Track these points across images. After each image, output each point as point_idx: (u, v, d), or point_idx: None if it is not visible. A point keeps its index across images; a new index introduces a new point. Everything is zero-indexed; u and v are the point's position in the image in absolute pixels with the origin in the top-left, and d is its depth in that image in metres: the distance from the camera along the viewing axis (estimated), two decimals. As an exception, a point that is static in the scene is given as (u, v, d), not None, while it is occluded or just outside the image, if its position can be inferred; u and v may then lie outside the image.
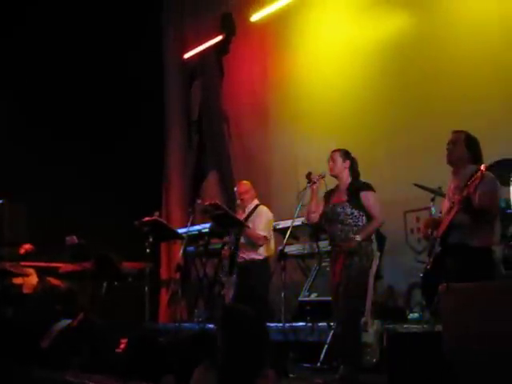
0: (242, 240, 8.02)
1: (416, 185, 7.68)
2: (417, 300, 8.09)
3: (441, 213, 6.29)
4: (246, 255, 8.00)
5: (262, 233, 7.98)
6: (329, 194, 6.99)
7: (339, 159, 6.89)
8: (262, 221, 8.05)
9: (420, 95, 9.38)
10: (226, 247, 8.56)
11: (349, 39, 10.64)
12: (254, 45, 12.47)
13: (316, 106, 10.93)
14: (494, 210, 5.82)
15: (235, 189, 8.45)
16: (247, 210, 8.20)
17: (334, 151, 6.95)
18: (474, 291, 4.80)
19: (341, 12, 10.85)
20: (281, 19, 11.71)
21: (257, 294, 7.79)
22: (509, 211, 6.82)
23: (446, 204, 6.09)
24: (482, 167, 5.53)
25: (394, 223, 8.74)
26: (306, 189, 7.07)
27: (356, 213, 6.69)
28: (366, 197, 6.71)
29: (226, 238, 8.43)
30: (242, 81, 12.81)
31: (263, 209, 8.22)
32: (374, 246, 6.91)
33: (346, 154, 6.91)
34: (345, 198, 6.78)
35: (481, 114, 8.42)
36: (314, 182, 6.94)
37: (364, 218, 6.71)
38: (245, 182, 8.51)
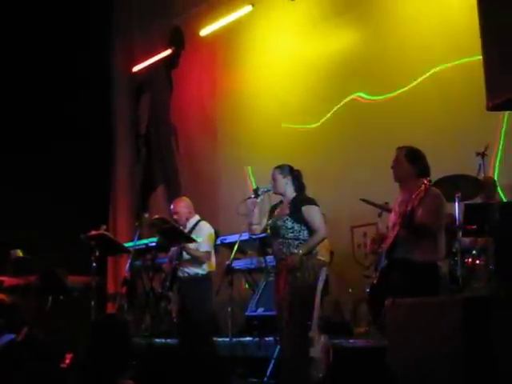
0: (185, 255, 7.97)
1: (363, 200, 7.74)
2: (363, 315, 8.13)
3: (387, 228, 6.35)
4: (189, 270, 7.96)
5: (204, 249, 7.95)
6: (273, 208, 6.97)
7: (279, 177, 6.81)
8: (204, 237, 8.00)
9: (368, 110, 9.49)
10: (166, 262, 8.48)
11: (297, 54, 10.73)
12: (204, 59, 12.48)
13: (265, 121, 10.99)
14: (434, 226, 5.87)
15: (171, 206, 8.42)
16: (188, 226, 8.16)
17: (274, 169, 6.89)
18: (418, 306, 4.84)
19: (289, 27, 10.95)
20: (230, 34, 11.75)
21: (200, 309, 7.77)
22: (454, 227, 6.90)
23: (392, 218, 6.15)
24: (426, 181, 5.61)
25: (340, 238, 8.80)
26: (249, 198, 7.01)
27: (297, 227, 6.61)
28: (308, 211, 6.64)
29: (169, 253, 8.35)
30: (190, 95, 12.81)
31: (204, 224, 8.19)
32: (323, 259, 6.93)
33: (285, 171, 6.84)
34: (287, 212, 6.72)
35: (429, 128, 8.56)
36: (258, 195, 6.92)
37: (305, 232, 6.62)
38: (182, 198, 8.50)
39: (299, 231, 6.62)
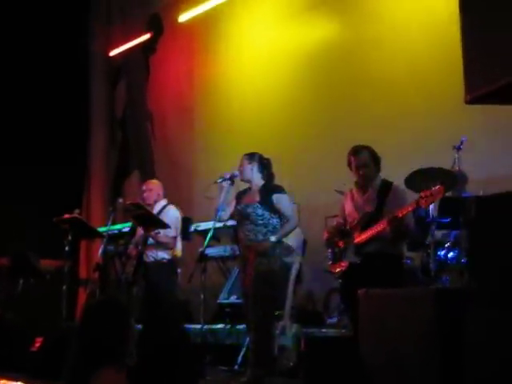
0: (151, 240, 7.96)
1: (337, 191, 7.75)
2: (335, 305, 8.16)
3: (340, 216, 6.42)
4: (155, 254, 7.95)
5: (170, 234, 7.94)
6: (241, 194, 6.95)
7: (246, 163, 6.84)
8: (171, 222, 7.98)
9: (346, 102, 9.50)
10: (131, 246, 8.45)
11: (275, 43, 10.71)
12: (182, 45, 12.43)
13: (241, 110, 10.97)
14: (413, 228, 6.07)
15: (143, 186, 8.42)
16: (156, 209, 8.15)
17: (243, 156, 6.92)
18: (391, 297, 4.87)
19: (268, 16, 10.92)
20: (209, 21, 11.70)
21: (166, 294, 7.81)
22: (428, 220, 6.93)
23: (350, 211, 6.21)
24: (397, 187, 5.87)
25: (314, 228, 8.79)
26: (215, 182, 7.00)
27: (267, 214, 6.64)
28: (278, 199, 6.67)
29: (136, 237, 8.32)
30: (168, 81, 12.76)
31: (171, 208, 8.19)
32: (296, 247, 6.93)
33: (254, 158, 6.85)
34: (256, 199, 6.73)
35: (406, 120, 8.60)
36: (225, 179, 6.90)
37: (275, 220, 6.66)
38: (153, 180, 8.52)
39: (268, 219, 6.65)
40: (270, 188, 6.76)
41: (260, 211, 6.64)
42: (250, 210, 6.70)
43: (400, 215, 5.71)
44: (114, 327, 3.60)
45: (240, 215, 6.82)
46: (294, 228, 6.91)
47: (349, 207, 6.32)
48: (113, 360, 3.54)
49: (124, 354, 3.61)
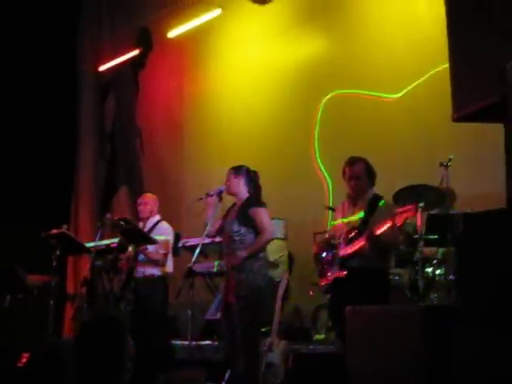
0: (142, 255, 7.94)
1: (327, 207, 7.77)
2: (323, 321, 8.15)
3: (331, 230, 6.41)
4: (145, 270, 7.92)
5: (162, 250, 7.92)
6: (228, 210, 6.83)
7: (232, 177, 6.68)
8: (163, 238, 7.96)
9: (334, 118, 9.53)
10: (123, 261, 8.43)
11: (264, 60, 10.75)
12: (171, 61, 12.45)
13: (231, 125, 10.99)
14: (398, 243, 6.05)
15: (139, 198, 8.40)
16: (148, 225, 8.13)
17: (229, 169, 6.76)
18: (378, 314, 4.87)
19: (258, 32, 10.97)
20: (198, 37, 11.72)
21: (155, 310, 7.76)
22: (416, 236, 6.95)
23: (342, 226, 6.19)
24: (387, 202, 5.79)
25: (303, 244, 8.80)
26: (201, 198, 6.94)
27: (243, 230, 6.46)
28: (255, 213, 6.48)
29: (128, 252, 8.29)
30: (157, 96, 12.77)
31: (164, 225, 8.17)
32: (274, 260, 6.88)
33: (240, 171, 6.70)
34: (235, 214, 6.63)
35: (395, 137, 8.62)
36: (210, 195, 6.79)
37: (252, 236, 6.48)
38: (148, 194, 8.49)
39: (245, 234, 6.48)
40: (248, 202, 6.60)
41: (236, 227, 6.50)
42: (228, 226, 6.61)
43: (376, 231, 5.70)
44: (112, 344, 3.61)
45: (221, 231, 6.78)
46: (268, 241, 6.65)
47: (339, 219, 6.30)
48: (111, 376, 3.55)
49: (122, 370, 3.62)
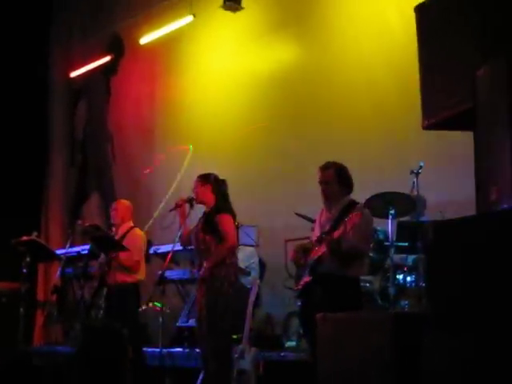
0: (115, 262, 7.89)
1: (297, 214, 7.77)
2: (294, 328, 8.15)
3: (309, 238, 6.39)
4: (118, 277, 7.87)
5: (134, 257, 7.88)
6: (200, 219, 6.75)
7: (199, 185, 6.64)
8: (136, 245, 7.92)
9: (306, 124, 9.57)
10: (96, 267, 8.38)
11: (236, 66, 10.77)
12: (143, 67, 12.42)
13: (201, 131, 10.97)
14: (364, 249, 5.98)
15: (113, 204, 8.35)
16: (120, 232, 8.08)
17: (196, 177, 6.72)
18: (349, 321, 4.87)
19: (230, 39, 10.99)
20: (170, 43, 11.72)
21: (127, 317, 7.70)
22: (387, 243, 6.98)
23: (316, 232, 6.16)
24: (358, 205, 5.75)
25: (274, 251, 8.81)
26: (171, 210, 6.85)
27: (208, 238, 6.43)
28: (219, 220, 6.44)
29: (100, 259, 8.25)
30: (129, 103, 12.73)
31: (137, 232, 8.12)
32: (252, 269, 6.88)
33: (207, 179, 6.65)
34: (201, 223, 6.60)
35: (366, 144, 8.66)
36: (179, 206, 6.73)
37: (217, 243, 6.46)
38: (122, 200, 8.42)
39: (209, 242, 6.44)
40: (213, 210, 6.56)
41: (201, 235, 6.49)
42: (195, 234, 6.58)
43: (334, 235, 5.68)
44: (114, 354, 3.59)
45: (188, 240, 6.74)
46: (230, 248, 6.53)
47: (316, 225, 6.26)
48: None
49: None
